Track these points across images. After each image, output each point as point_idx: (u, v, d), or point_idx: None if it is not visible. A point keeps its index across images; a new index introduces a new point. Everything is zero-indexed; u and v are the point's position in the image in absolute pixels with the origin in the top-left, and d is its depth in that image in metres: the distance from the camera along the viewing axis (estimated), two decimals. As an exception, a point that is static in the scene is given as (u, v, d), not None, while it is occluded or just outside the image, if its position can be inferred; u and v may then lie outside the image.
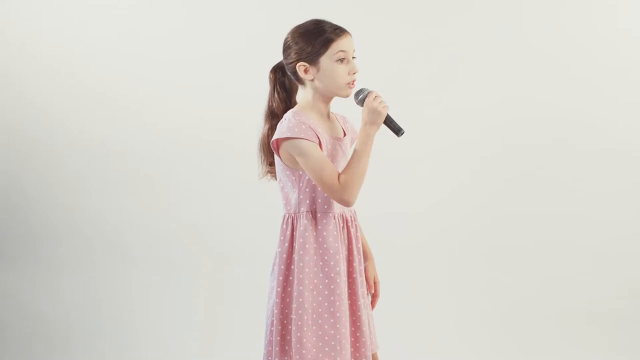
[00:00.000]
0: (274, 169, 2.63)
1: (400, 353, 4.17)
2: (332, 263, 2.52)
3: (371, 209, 4.17)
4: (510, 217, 4.45)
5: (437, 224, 4.44)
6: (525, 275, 4.42)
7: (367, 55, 4.37)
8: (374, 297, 2.75)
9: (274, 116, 2.61)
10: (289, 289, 2.53)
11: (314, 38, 2.52)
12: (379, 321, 2.85)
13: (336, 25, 2.55)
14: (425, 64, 4.45)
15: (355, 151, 2.49)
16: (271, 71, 2.65)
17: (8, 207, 4.59)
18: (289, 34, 2.59)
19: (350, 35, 2.56)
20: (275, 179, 2.66)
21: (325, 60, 2.52)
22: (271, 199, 4.32)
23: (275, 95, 2.63)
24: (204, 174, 4.52)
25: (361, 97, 2.54)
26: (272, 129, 2.59)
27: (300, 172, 2.54)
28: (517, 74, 4.45)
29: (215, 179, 4.51)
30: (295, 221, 2.55)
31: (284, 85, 2.63)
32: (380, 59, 4.41)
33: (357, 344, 2.58)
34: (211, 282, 4.48)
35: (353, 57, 2.56)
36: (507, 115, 4.46)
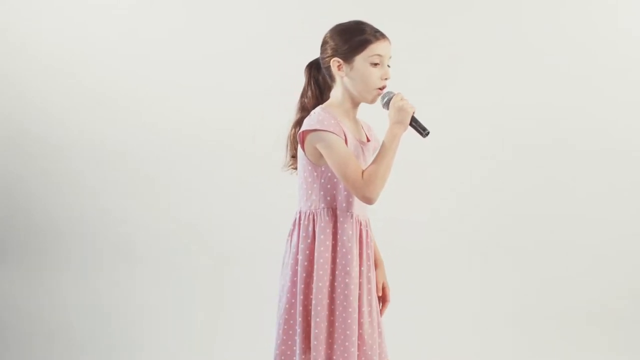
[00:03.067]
0: (297, 161, 2.63)
1: (401, 353, 4.17)
2: (343, 262, 2.52)
3: (369, 210, 4.13)
4: (510, 217, 4.45)
5: (436, 224, 4.44)
6: (525, 275, 4.42)
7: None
8: (384, 302, 2.74)
9: (304, 110, 2.62)
10: (312, 285, 2.52)
11: (353, 37, 2.54)
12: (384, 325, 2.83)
13: (377, 29, 2.58)
14: (425, 64, 4.45)
15: (381, 149, 2.50)
16: (307, 67, 2.66)
17: (8, 207, 4.59)
18: (328, 31, 2.60)
19: (389, 41, 2.58)
20: (296, 171, 2.65)
21: (360, 60, 2.53)
22: (271, 199, 4.34)
23: (309, 91, 2.64)
24: (204, 174, 4.52)
25: (387, 99, 2.55)
26: (300, 121, 2.60)
27: (323, 168, 2.53)
28: (517, 74, 4.45)
29: (215, 179, 4.51)
30: (316, 217, 2.55)
31: (317, 82, 2.64)
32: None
33: (359, 351, 2.58)
34: (211, 282, 4.48)
35: (388, 65, 2.58)
36: (507, 116, 4.46)
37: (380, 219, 4.37)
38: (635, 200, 4.44)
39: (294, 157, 2.63)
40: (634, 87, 4.44)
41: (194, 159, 4.52)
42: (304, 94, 2.65)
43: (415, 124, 2.54)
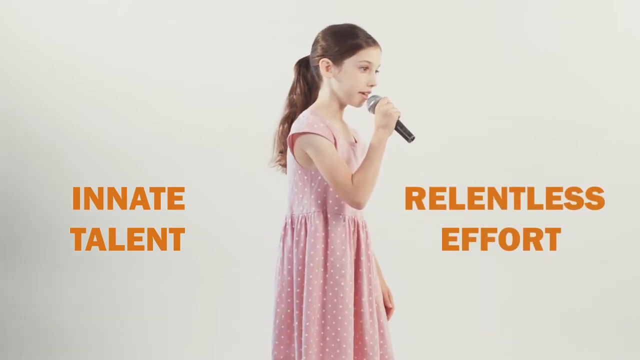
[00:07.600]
0: (285, 157, 2.62)
1: (400, 353, 4.17)
2: (337, 265, 2.51)
3: (369, 208, 4.10)
4: (509, 216, 4.44)
5: (436, 223, 4.43)
6: (525, 275, 4.42)
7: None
8: (388, 309, 2.73)
9: (292, 105, 2.63)
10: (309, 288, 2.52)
11: (345, 40, 2.55)
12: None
13: (369, 35, 2.57)
14: (425, 64, 4.45)
15: (367, 154, 2.51)
16: (296, 63, 2.67)
17: (8, 207, 4.58)
18: (321, 31, 2.60)
19: (380, 49, 2.58)
20: (284, 169, 2.65)
21: (349, 63, 2.54)
22: (271, 199, 4.33)
23: (297, 88, 2.65)
24: (203, 174, 4.52)
25: (373, 103, 2.56)
26: (289, 117, 2.61)
27: (313, 172, 2.53)
28: (517, 74, 4.45)
29: (215, 178, 4.51)
30: (307, 221, 2.54)
31: (306, 79, 2.65)
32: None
33: (360, 353, 2.57)
34: (211, 282, 4.48)
35: (376, 71, 2.58)
36: (507, 116, 4.46)
37: (378, 219, 4.38)
38: (635, 200, 4.44)
39: (282, 152, 2.62)
40: (634, 87, 4.44)
41: (194, 158, 4.51)
42: (292, 91, 2.65)
43: (400, 128, 2.55)
